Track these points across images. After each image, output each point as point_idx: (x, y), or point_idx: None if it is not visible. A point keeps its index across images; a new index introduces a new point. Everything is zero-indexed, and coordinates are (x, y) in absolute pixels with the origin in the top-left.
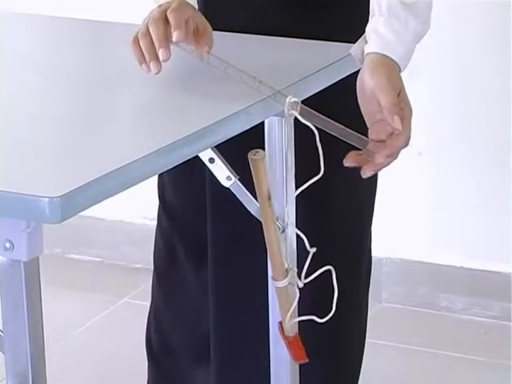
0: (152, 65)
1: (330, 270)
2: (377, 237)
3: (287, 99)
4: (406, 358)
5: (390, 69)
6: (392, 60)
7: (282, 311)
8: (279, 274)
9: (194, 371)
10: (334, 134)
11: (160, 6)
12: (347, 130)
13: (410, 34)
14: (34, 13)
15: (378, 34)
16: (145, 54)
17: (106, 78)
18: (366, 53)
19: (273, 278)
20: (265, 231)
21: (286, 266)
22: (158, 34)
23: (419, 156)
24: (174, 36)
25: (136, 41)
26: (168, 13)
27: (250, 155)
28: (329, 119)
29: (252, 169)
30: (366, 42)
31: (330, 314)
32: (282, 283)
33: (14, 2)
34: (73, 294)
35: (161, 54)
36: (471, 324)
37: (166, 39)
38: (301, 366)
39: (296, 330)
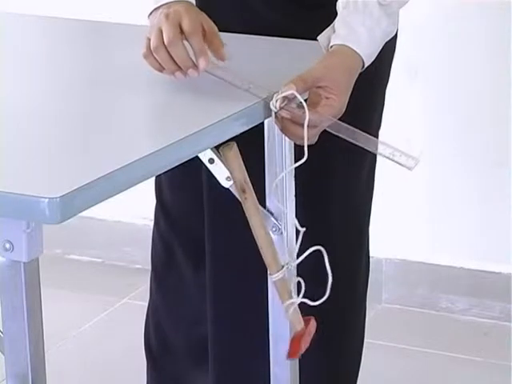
0: (190, 72)
1: (321, 251)
2: (377, 237)
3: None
4: (406, 358)
5: (351, 66)
6: (358, 55)
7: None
8: (273, 266)
9: (193, 371)
10: (341, 136)
11: (167, 15)
12: (354, 129)
13: (381, 33)
14: (33, 13)
15: (350, 28)
16: (168, 64)
17: (106, 78)
18: (333, 43)
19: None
20: (251, 224)
21: (282, 262)
22: (180, 56)
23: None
24: (201, 64)
25: (150, 54)
26: (187, 35)
27: (222, 149)
28: (337, 121)
29: (225, 161)
30: (334, 32)
31: (325, 297)
32: (276, 276)
33: (11, 2)
34: (73, 295)
35: (190, 73)
36: (471, 325)
37: (189, 59)
38: (300, 365)
39: (302, 323)
